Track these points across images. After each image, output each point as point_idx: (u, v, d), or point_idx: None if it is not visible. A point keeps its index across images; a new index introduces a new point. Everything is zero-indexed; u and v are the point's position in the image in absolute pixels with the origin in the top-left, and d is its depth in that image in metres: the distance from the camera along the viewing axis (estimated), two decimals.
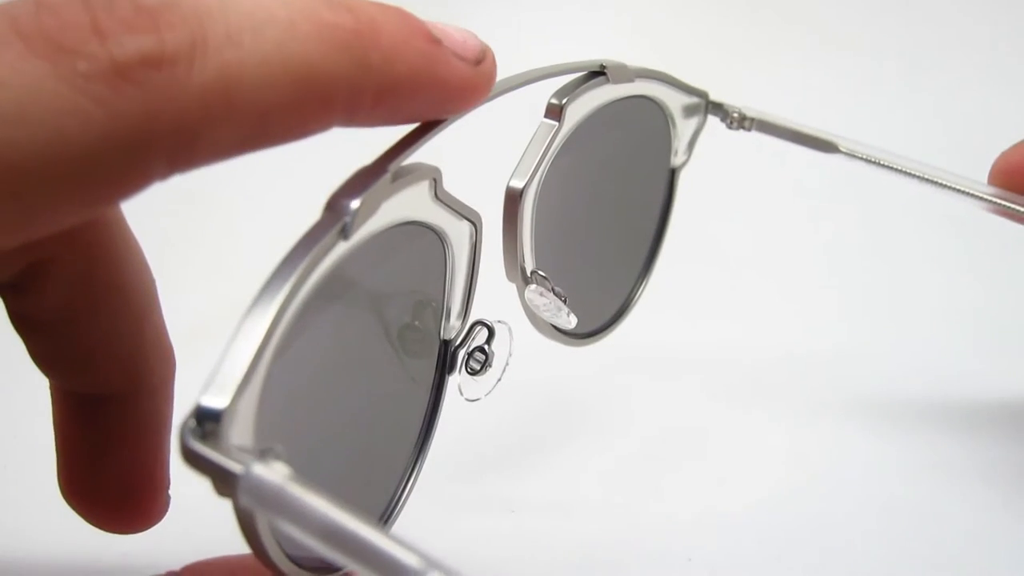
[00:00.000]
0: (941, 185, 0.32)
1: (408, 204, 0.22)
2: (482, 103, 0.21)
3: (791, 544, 0.28)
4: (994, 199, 0.31)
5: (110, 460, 0.24)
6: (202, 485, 0.17)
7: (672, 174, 0.35)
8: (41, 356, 0.24)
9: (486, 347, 0.26)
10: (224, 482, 0.17)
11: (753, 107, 0.34)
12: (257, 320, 0.18)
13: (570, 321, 0.29)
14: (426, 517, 0.25)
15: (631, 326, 0.35)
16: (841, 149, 0.33)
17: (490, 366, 0.26)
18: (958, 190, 0.32)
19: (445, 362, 0.26)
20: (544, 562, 0.28)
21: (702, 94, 0.34)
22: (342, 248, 0.20)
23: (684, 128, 0.34)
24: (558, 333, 0.31)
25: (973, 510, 0.30)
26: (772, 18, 0.56)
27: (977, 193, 0.32)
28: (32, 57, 0.15)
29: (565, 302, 0.29)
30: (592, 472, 0.33)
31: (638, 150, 0.33)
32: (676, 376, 0.39)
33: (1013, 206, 0.31)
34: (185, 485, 0.19)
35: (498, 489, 0.31)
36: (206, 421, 0.17)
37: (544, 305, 0.28)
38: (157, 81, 0.16)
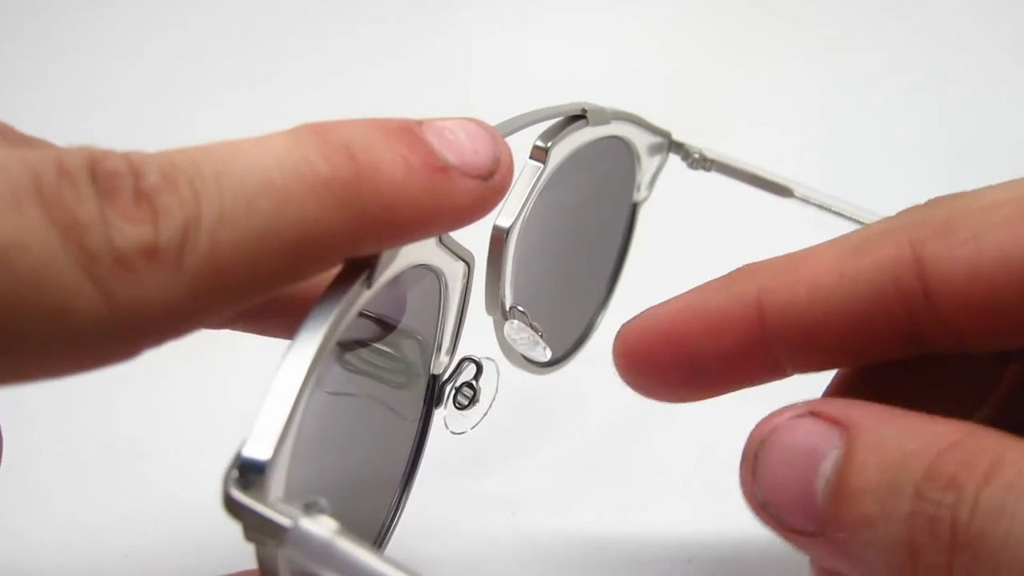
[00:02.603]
0: None
1: (420, 250, 0.23)
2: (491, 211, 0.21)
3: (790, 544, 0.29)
4: None
5: None
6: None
7: (634, 209, 0.36)
8: None
9: (474, 383, 0.27)
10: (269, 535, 0.17)
11: (714, 149, 0.35)
12: (293, 370, 0.18)
13: (545, 354, 0.30)
14: (428, 520, 0.26)
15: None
16: (795, 195, 0.35)
17: (477, 401, 0.27)
18: None
19: (432, 396, 0.26)
20: (544, 564, 0.28)
21: (665, 134, 0.35)
22: (365, 296, 0.20)
23: (648, 165, 0.35)
24: (527, 363, 0.32)
25: None
26: (774, 20, 0.56)
27: None
28: (50, 226, 0.16)
29: (542, 337, 0.30)
30: (592, 474, 0.33)
31: (607, 187, 0.34)
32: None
33: None
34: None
35: (499, 492, 0.32)
36: (249, 472, 0.17)
37: (522, 340, 0.29)
38: (151, 270, 0.16)
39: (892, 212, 0.47)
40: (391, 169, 0.19)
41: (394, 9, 0.55)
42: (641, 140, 0.34)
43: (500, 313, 0.29)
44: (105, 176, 0.16)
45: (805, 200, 0.35)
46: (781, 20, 0.56)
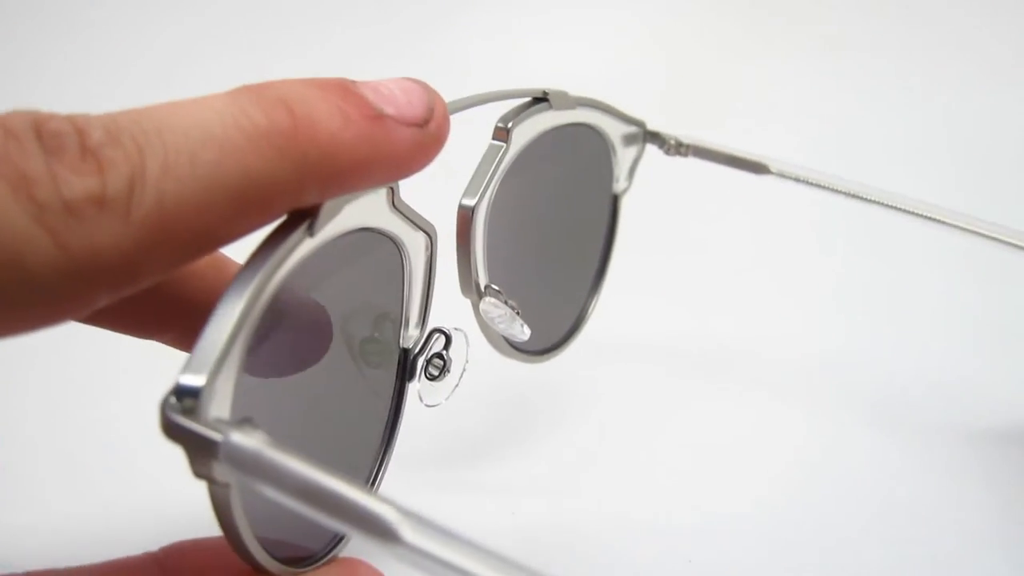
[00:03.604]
0: (868, 200, 0.34)
1: (368, 210, 0.23)
2: (432, 160, 0.22)
3: (790, 545, 0.28)
4: (917, 211, 0.33)
5: None
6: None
7: (615, 199, 0.36)
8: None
9: (444, 353, 0.27)
10: (204, 451, 0.17)
11: (690, 134, 0.36)
12: (232, 304, 0.19)
13: (524, 332, 0.30)
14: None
15: (637, 324, 0.35)
16: (772, 170, 0.35)
17: (448, 371, 0.27)
18: (886, 205, 0.34)
19: (405, 370, 0.27)
20: (543, 565, 0.28)
21: (639, 123, 0.36)
22: (308, 245, 0.21)
23: (624, 156, 0.36)
24: (514, 350, 0.33)
25: (972, 511, 0.30)
26: (772, 19, 0.56)
27: (903, 207, 0.34)
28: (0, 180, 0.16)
29: (519, 314, 0.30)
30: (590, 474, 0.33)
31: (583, 176, 0.35)
32: (676, 376, 0.38)
33: (936, 217, 0.33)
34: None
35: (498, 491, 0.32)
36: (185, 397, 0.18)
37: (499, 317, 0.29)
38: (101, 219, 0.17)
39: (892, 213, 0.47)
40: (328, 119, 0.19)
41: (393, 10, 0.55)
42: (614, 130, 0.35)
43: (475, 292, 0.29)
44: (50, 135, 0.17)
45: (782, 175, 0.35)
46: (781, 20, 0.56)
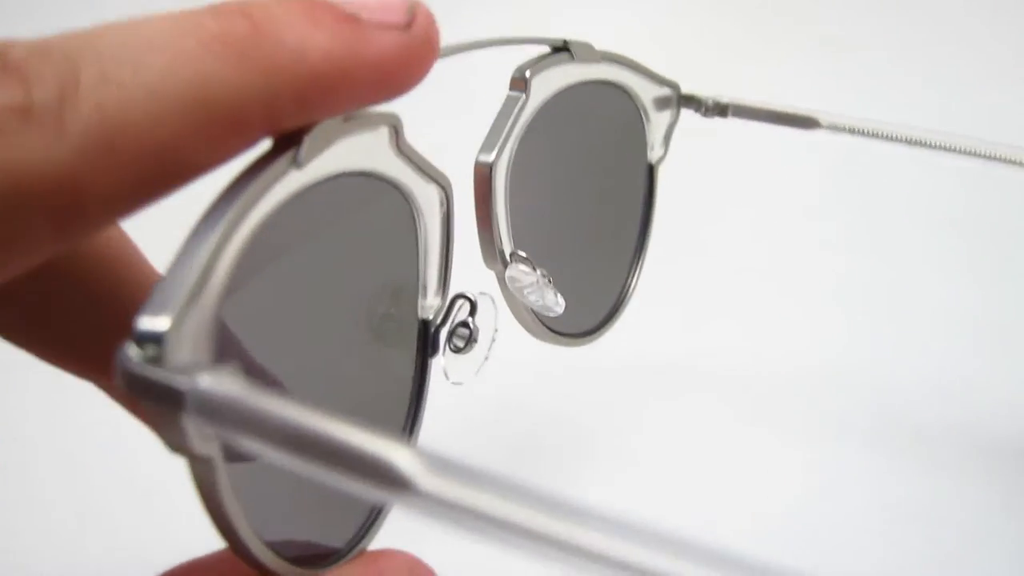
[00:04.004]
0: (933, 146, 0.31)
1: (368, 151, 0.20)
2: (431, 67, 0.18)
3: (790, 544, 0.28)
4: (992, 153, 0.30)
5: None
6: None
7: (651, 169, 0.33)
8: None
9: (469, 321, 0.23)
10: (170, 405, 0.14)
11: (728, 94, 0.33)
12: (202, 239, 0.16)
13: (558, 302, 0.27)
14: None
15: (631, 334, 0.33)
16: (823, 124, 0.32)
17: (475, 341, 0.23)
18: (950, 148, 0.30)
19: (427, 343, 0.23)
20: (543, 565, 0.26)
21: (673, 85, 0.33)
22: (296, 178, 0.18)
23: (658, 121, 0.33)
24: (549, 332, 0.29)
25: (973, 511, 0.29)
26: (773, 19, 0.56)
27: (973, 150, 0.30)
28: None
29: (551, 283, 0.26)
30: (596, 486, 0.32)
31: (614, 140, 0.32)
32: (677, 383, 0.37)
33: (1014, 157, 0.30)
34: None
35: None
36: (147, 344, 0.15)
37: (529, 286, 0.26)
38: (28, 131, 0.14)
39: (893, 214, 0.46)
40: (291, 20, 0.16)
41: None
42: (646, 92, 0.32)
43: (499, 261, 0.26)
44: None
45: (833, 127, 0.32)
46: (781, 20, 0.55)
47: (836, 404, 0.35)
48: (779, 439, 0.33)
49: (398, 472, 0.12)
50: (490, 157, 0.25)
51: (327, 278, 0.21)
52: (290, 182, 0.18)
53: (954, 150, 0.30)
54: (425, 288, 0.23)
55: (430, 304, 0.23)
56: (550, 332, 0.29)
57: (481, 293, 0.24)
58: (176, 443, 0.15)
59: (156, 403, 0.14)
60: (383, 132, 0.20)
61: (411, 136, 0.21)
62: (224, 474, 0.16)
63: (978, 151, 0.30)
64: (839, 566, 0.27)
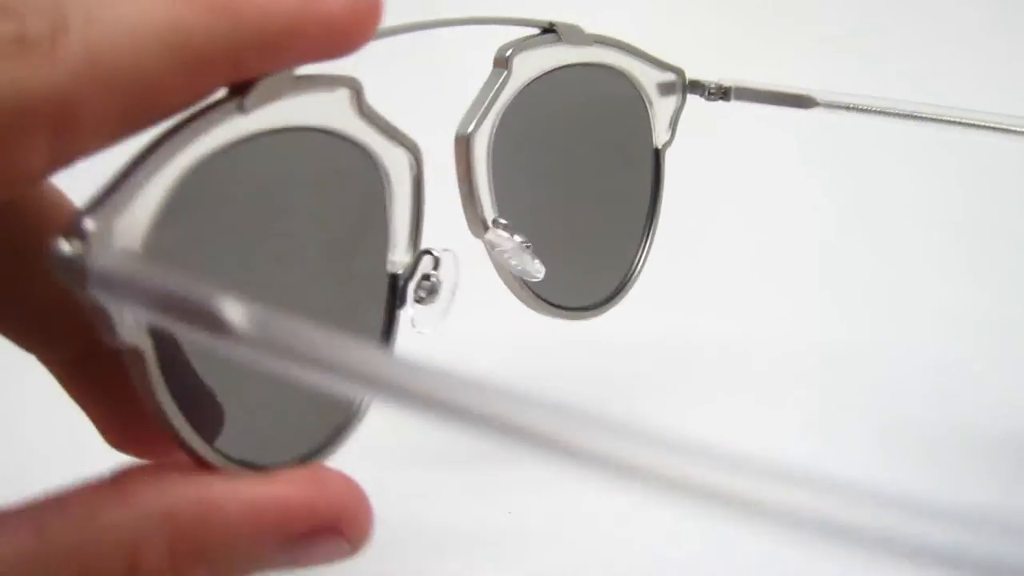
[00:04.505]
0: (935, 120, 0.31)
1: (327, 111, 0.22)
2: (374, 30, 0.20)
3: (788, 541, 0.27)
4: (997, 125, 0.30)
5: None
6: None
7: (657, 153, 0.34)
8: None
9: (432, 274, 0.25)
10: (78, 281, 0.16)
11: (730, 76, 0.34)
12: (139, 160, 0.18)
13: (538, 268, 0.28)
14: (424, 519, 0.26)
15: (625, 323, 0.34)
16: (819, 102, 0.33)
17: (437, 293, 0.25)
18: (953, 121, 0.31)
19: (395, 296, 0.25)
20: (541, 563, 0.27)
21: (677, 70, 0.34)
22: (241, 123, 0.20)
23: (661, 105, 0.34)
24: (544, 304, 0.31)
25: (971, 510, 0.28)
26: (775, 19, 0.56)
27: (975, 122, 0.31)
28: None
29: (528, 248, 0.28)
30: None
31: (613, 122, 0.33)
32: (674, 373, 0.37)
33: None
34: None
35: (494, 491, 0.30)
36: (74, 239, 0.17)
37: (509, 251, 0.28)
38: (25, 57, 0.16)
39: (892, 213, 0.46)
40: None
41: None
42: (647, 76, 0.33)
43: (481, 226, 0.28)
44: None
45: (830, 104, 0.32)
46: (781, 19, 0.55)
47: (833, 405, 0.35)
48: (775, 438, 0.33)
49: (223, 317, 0.14)
50: (467, 130, 0.27)
51: (276, 225, 0.23)
52: (234, 126, 0.20)
53: (948, 121, 0.30)
54: (395, 246, 0.25)
55: (399, 260, 0.25)
56: (545, 304, 0.31)
57: (445, 250, 0.25)
58: (109, 336, 0.17)
59: (72, 284, 0.16)
60: (343, 94, 0.22)
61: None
62: (155, 364, 0.18)
63: (971, 121, 0.30)
64: (837, 564, 0.25)
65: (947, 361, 0.37)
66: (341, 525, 0.20)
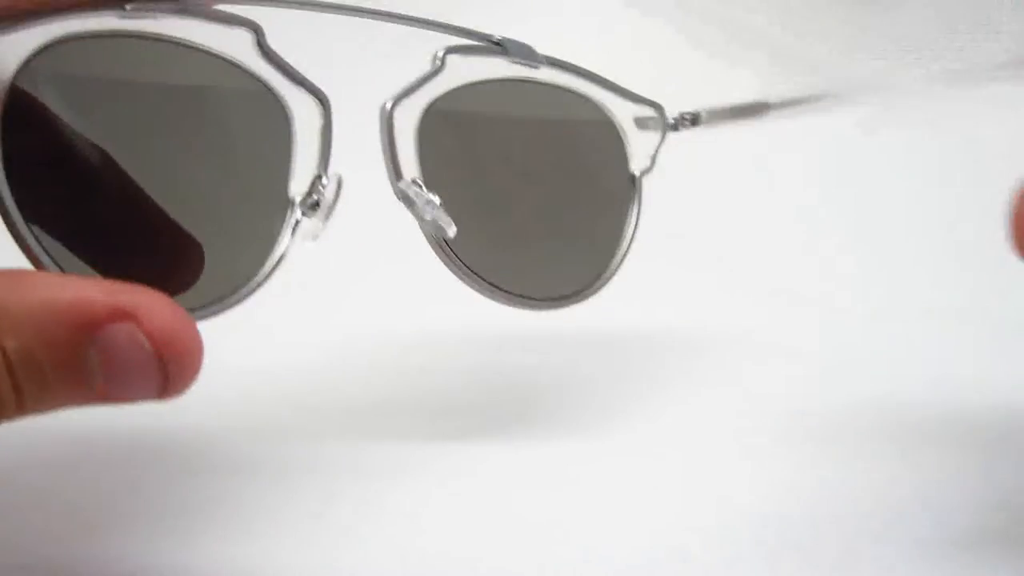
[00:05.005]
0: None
1: (223, 42, 0.27)
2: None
3: (787, 544, 0.27)
4: None
5: None
6: None
7: (633, 180, 0.36)
8: None
9: (320, 187, 0.28)
10: None
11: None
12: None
13: (447, 222, 0.30)
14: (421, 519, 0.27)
15: (623, 327, 0.36)
16: (772, 105, 0.34)
17: (320, 206, 0.28)
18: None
19: (287, 214, 0.29)
20: (542, 561, 0.26)
21: (653, 104, 0.36)
22: (117, 21, 0.25)
23: (636, 137, 0.36)
24: (517, 296, 0.33)
25: (972, 510, 0.28)
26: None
27: None
28: None
29: (441, 206, 0.31)
30: (590, 467, 0.31)
31: (588, 152, 0.36)
32: (671, 373, 0.38)
33: None
34: None
35: (492, 488, 0.30)
36: None
37: (421, 204, 0.30)
38: None
39: (888, 212, 0.46)
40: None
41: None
42: (618, 108, 0.36)
43: (395, 174, 0.31)
44: None
45: (783, 105, 0.33)
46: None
47: (832, 404, 0.35)
48: (773, 439, 0.33)
49: None
50: (390, 103, 0.31)
51: (152, 125, 0.27)
52: (113, 22, 0.24)
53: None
54: (297, 178, 0.29)
55: (296, 188, 0.29)
56: (520, 299, 0.33)
57: (333, 173, 0.29)
58: None
59: None
60: (244, 33, 0.27)
61: None
62: None
63: None
64: (836, 564, 0.26)
65: (944, 361, 0.36)
66: (139, 316, 0.21)
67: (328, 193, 0.28)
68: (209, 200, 0.28)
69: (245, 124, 0.28)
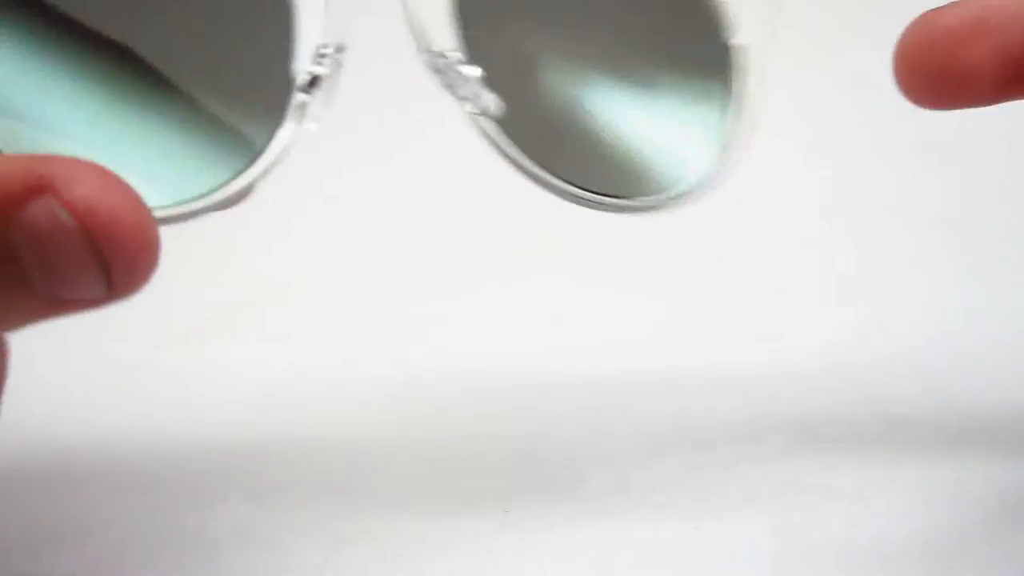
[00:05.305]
0: None
1: None
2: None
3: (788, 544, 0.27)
4: None
5: None
6: None
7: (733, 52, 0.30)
8: None
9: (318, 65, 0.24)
10: None
11: None
12: None
13: (497, 103, 0.25)
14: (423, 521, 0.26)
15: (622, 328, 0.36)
16: None
17: (318, 87, 0.24)
18: None
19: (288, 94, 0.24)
20: (545, 559, 0.26)
21: None
22: None
23: None
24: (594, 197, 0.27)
25: (971, 511, 0.28)
26: None
27: None
28: None
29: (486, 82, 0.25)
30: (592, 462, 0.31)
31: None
32: (673, 374, 0.37)
33: None
34: None
35: (490, 489, 0.29)
36: None
37: (454, 77, 0.25)
38: None
39: (888, 212, 0.46)
40: None
41: None
42: None
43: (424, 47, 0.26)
44: None
45: None
46: None
47: (830, 404, 0.34)
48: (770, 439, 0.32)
49: None
50: None
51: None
52: None
53: None
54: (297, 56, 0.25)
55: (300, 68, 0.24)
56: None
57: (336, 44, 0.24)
58: None
59: None
60: None
61: None
62: None
63: None
64: (835, 563, 0.26)
65: (945, 361, 0.36)
66: (56, 186, 0.17)
67: (329, 66, 0.24)
68: (197, 84, 0.24)
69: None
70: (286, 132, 0.24)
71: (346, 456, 0.31)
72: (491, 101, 0.25)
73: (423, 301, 0.40)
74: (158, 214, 0.20)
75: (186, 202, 0.22)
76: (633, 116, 0.28)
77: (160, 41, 0.23)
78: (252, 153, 0.23)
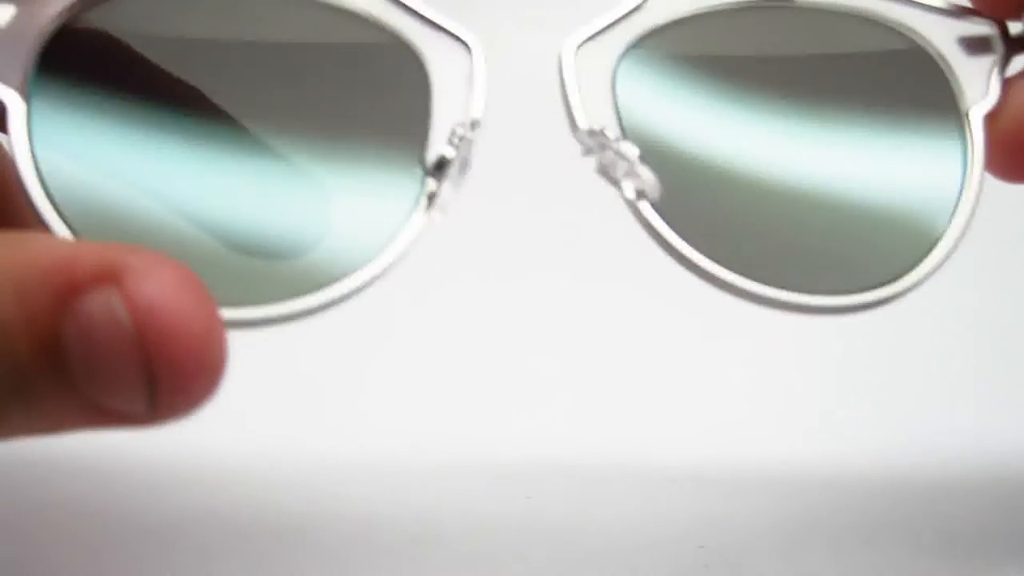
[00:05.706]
0: None
1: None
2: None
3: (792, 544, 0.27)
4: None
5: None
6: None
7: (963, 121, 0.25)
8: None
9: (447, 152, 0.22)
10: None
11: None
12: None
13: (656, 184, 0.22)
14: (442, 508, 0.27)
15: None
16: None
17: (447, 169, 0.22)
18: None
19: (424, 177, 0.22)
20: (557, 551, 0.27)
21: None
22: None
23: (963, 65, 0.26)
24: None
25: (971, 510, 0.29)
26: None
27: None
28: None
29: (643, 161, 0.22)
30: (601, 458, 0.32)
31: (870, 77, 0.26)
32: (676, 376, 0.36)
33: None
34: None
35: (512, 477, 0.30)
36: None
37: (618, 166, 0.22)
38: None
39: None
40: None
41: None
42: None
43: (574, 128, 0.23)
44: None
45: None
46: None
47: (829, 404, 0.35)
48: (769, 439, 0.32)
49: None
50: (574, 42, 0.24)
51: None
52: None
53: None
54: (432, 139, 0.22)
55: (434, 151, 0.22)
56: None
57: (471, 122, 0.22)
58: None
59: None
60: None
61: None
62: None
63: None
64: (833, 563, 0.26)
65: (944, 361, 0.37)
66: (124, 279, 0.15)
67: (462, 149, 0.21)
68: (326, 170, 0.22)
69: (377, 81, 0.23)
70: (411, 225, 0.21)
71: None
72: (651, 182, 0.22)
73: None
74: (240, 315, 0.18)
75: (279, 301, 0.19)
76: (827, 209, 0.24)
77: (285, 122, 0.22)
78: (369, 251, 0.21)
